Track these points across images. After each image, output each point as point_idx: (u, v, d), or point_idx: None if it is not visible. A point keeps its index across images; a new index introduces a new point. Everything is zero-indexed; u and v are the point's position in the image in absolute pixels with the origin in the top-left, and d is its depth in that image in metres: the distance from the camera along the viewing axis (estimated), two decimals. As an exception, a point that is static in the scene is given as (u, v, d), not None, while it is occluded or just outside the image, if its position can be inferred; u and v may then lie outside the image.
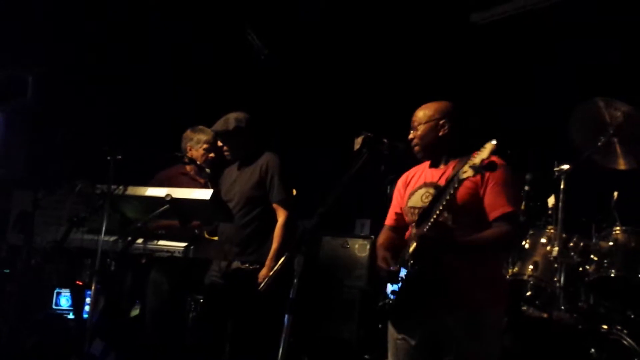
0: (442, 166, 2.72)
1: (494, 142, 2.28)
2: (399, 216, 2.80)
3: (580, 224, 3.31)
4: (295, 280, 2.36)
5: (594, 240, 3.22)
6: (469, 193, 2.54)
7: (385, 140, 2.73)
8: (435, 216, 2.41)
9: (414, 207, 2.68)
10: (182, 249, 3.47)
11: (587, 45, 4.26)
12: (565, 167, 3.19)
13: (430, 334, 2.54)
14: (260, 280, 3.66)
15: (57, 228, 3.65)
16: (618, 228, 3.17)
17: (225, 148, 3.89)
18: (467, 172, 2.31)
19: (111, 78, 4.74)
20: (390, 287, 2.59)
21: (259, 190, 3.77)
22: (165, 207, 3.40)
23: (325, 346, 4.83)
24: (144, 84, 4.97)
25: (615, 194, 3.24)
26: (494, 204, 2.52)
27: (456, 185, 2.37)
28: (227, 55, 5.36)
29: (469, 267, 2.51)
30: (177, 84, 5.18)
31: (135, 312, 4.42)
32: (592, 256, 3.18)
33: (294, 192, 4.44)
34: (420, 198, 2.69)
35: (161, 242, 3.55)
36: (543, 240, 3.33)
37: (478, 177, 2.52)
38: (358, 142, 2.63)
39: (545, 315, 3.21)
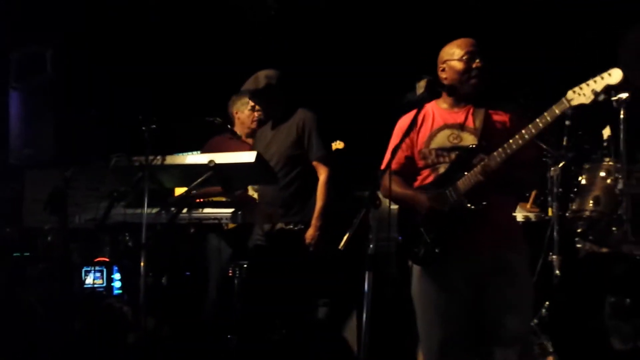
0: (457, 108, 2.67)
1: (619, 72, 2.19)
2: (409, 160, 2.73)
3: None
4: (370, 236, 2.26)
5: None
6: (504, 132, 2.55)
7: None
8: (509, 150, 2.40)
9: (442, 149, 2.63)
10: (230, 215, 3.37)
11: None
12: (624, 95, 3.07)
13: (480, 267, 2.54)
14: (308, 240, 3.59)
15: (97, 205, 3.54)
16: (609, 160, 3.12)
17: (257, 108, 3.79)
18: (579, 97, 2.25)
19: (139, 45, 4.58)
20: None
21: (297, 148, 3.68)
22: (208, 173, 3.28)
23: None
24: (172, 50, 4.80)
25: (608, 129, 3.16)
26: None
27: (557, 114, 2.31)
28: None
29: (511, 205, 2.71)
30: (209, 48, 4.99)
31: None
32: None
33: (342, 144, 4.33)
34: (447, 139, 2.63)
35: (207, 210, 3.46)
36: (602, 173, 3.25)
37: (505, 118, 2.61)
38: (421, 86, 2.52)
39: (605, 250, 3.15)
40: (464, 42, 2.66)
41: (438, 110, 2.72)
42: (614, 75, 2.16)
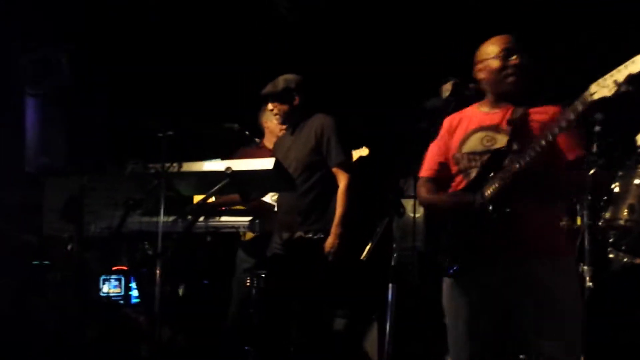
0: (496, 109, 2.52)
1: None
2: (443, 166, 2.59)
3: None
4: (394, 245, 2.15)
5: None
6: (538, 130, 2.35)
7: (471, 85, 2.51)
8: (538, 149, 2.22)
9: (473, 153, 2.48)
10: (248, 223, 3.27)
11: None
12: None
13: (510, 282, 2.37)
14: (327, 249, 3.49)
15: (112, 213, 3.47)
16: None
17: (275, 111, 3.71)
18: (602, 90, 2.06)
19: (153, 48, 4.52)
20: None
21: (316, 154, 3.59)
22: (225, 181, 3.20)
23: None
24: (189, 53, 4.73)
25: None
26: (570, 145, 2.38)
27: (580, 110, 2.13)
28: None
29: (550, 212, 2.43)
30: (225, 51, 4.92)
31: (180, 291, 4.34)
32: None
33: (367, 151, 4.24)
34: (480, 142, 2.48)
35: (224, 218, 3.37)
36: (637, 181, 3.09)
37: (547, 117, 2.39)
38: (447, 88, 2.41)
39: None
40: (500, 39, 2.52)
41: (476, 113, 2.57)
42: (637, 63, 2.00)
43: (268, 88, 3.70)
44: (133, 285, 5.14)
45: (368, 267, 3.97)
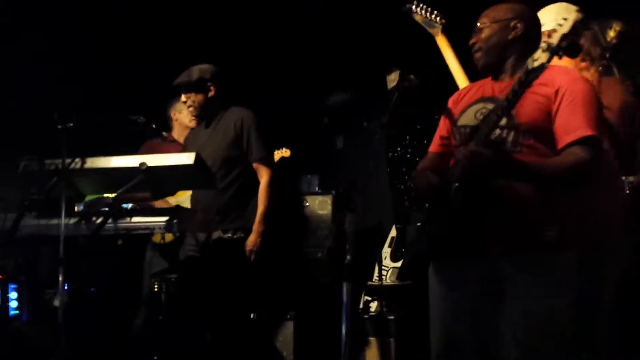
0: (506, 79, 2.25)
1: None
2: (445, 140, 2.37)
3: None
4: (347, 246, 2.03)
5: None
6: (538, 109, 2.09)
7: (411, 77, 2.42)
8: (488, 130, 1.99)
9: (465, 126, 2.24)
10: (164, 224, 3.01)
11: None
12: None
13: (483, 279, 2.11)
14: (249, 247, 3.32)
15: (4, 216, 3.05)
16: None
17: (189, 103, 3.48)
18: (539, 57, 1.92)
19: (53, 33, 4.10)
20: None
21: (235, 149, 3.41)
22: (139, 177, 2.92)
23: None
24: (89, 37, 4.34)
25: None
26: (570, 125, 2.06)
27: (523, 80, 1.88)
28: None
29: (538, 199, 2.06)
30: (133, 36, 4.57)
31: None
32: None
33: (289, 152, 4.11)
34: (474, 115, 2.23)
35: (136, 219, 3.07)
36: None
37: (551, 90, 2.10)
38: (392, 79, 2.31)
39: None
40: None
41: (485, 84, 2.33)
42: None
43: (181, 78, 3.46)
44: (12, 295, 4.68)
45: (283, 264, 3.85)
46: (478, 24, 2.32)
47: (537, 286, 2.06)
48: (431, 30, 3.09)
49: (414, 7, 3.09)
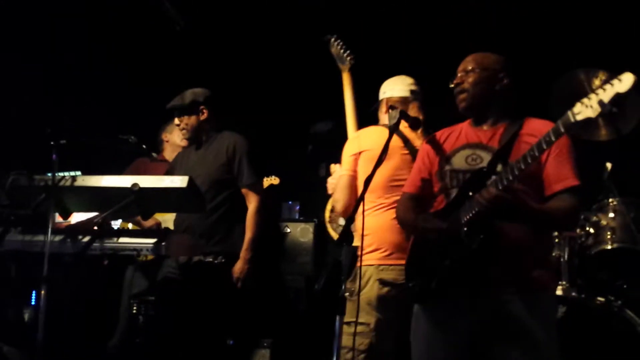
0: (486, 127, 2.37)
1: (631, 77, 1.85)
2: (425, 183, 2.43)
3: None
4: (342, 277, 2.05)
5: (591, 213, 3.20)
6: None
7: (410, 115, 2.49)
8: (511, 175, 2.06)
9: (456, 171, 2.31)
10: (152, 246, 3.00)
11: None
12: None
13: (485, 317, 2.19)
14: (236, 275, 3.31)
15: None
16: (614, 199, 3.17)
17: (182, 126, 3.50)
18: (585, 110, 1.90)
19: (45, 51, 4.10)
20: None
21: (226, 173, 3.41)
22: (129, 198, 2.91)
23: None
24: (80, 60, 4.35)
25: (608, 165, 3.23)
26: (560, 174, 2.21)
27: (561, 131, 1.97)
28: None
29: (531, 240, 2.20)
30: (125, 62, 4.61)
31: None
32: (590, 229, 3.16)
33: (278, 180, 4.12)
34: (464, 160, 2.32)
35: (123, 239, 3.06)
36: (611, 214, 3.17)
37: (538, 139, 2.16)
38: (393, 115, 2.37)
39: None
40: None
41: (466, 129, 2.42)
42: (625, 81, 1.85)
43: (175, 101, 3.49)
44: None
45: (261, 292, 3.83)
46: (468, 67, 2.39)
47: (537, 324, 2.18)
48: (341, 66, 3.33)
49: (332, 39, 3.35)
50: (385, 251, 2.80)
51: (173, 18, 4.89)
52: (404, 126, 2.78)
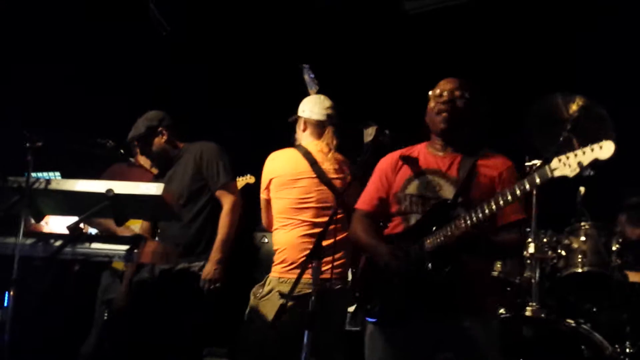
0: (444, 154, 2.47)
1: (611, 145, 1.93)
2: (383, 202, 2.51)
3: (548, 220, 3.30)
4: (311, 293, 2.06)
5: (564, 236, 3.25)
6: (489, 188, 2.36)
7: (387, 132, 2.50)
8: (482, 214, 2.16)
9: (417, 196, 2.41)
10: (125, 253, 2.97)
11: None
12: (538, 162, 3.16)
13: (444, 339, 2.34)
14: (204, 276, 3.27)
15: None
16: (586, 223, 3.22)
17: (146, 155, 3.53)
18: (563, 168, 1.98)
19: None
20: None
21: (198, 181, 3.41)
22: (103, 204, 2.89)
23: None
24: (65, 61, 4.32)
25: (582, 189, 3.27)
26: (515, 207, 2.34)
27: (537, 183, 2.07)
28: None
29: (484, 270, 2.43)
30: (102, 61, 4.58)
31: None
32: (561, 252, 3.20)
33: (253, 179, 4.12)
34: (425, 186, 2.41)
35: (95, 245, 3.02)
36: (582, 238, 3.22)
37: (495, 173, 2.42)
38: (369, 133, 2.39)
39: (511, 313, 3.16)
40: (443, 82, 2.48)
41: (424, 153, 2.51)
42: (605, 149, 1.91)
43: (132, 133, 3.51)
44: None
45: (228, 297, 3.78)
46: (459, 90, 2.44)
47: (491, 346, 2.39)
48: (310, 90, 3.67)
49: (306, 68, 3.73)
50: (287, 265, 3.15)
51: (159, 23, 4.92)
52: (317, 150, 3.22)
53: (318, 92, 3.54)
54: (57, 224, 3.57)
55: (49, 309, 3.70)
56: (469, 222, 2.19)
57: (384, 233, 2.49)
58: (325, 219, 3.05)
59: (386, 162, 2.55)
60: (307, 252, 2.85)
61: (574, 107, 3.36)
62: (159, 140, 3.49)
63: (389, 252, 2.34)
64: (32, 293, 3.33)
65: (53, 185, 2.95)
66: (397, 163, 2.53)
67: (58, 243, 2.96)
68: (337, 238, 2.95)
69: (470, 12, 4.56)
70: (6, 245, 3.01)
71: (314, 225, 3.16)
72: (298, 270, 2.85)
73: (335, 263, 3.00)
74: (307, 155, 3.21)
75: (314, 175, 3.17)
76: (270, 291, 3.16)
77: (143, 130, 3.46)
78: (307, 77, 3.69)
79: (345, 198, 2.83)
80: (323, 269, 2.55)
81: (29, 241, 2.99)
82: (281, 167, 3.23)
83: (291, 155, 3.25)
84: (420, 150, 2.52)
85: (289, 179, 3.18)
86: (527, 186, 2.10)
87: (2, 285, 3.87)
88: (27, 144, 2.96)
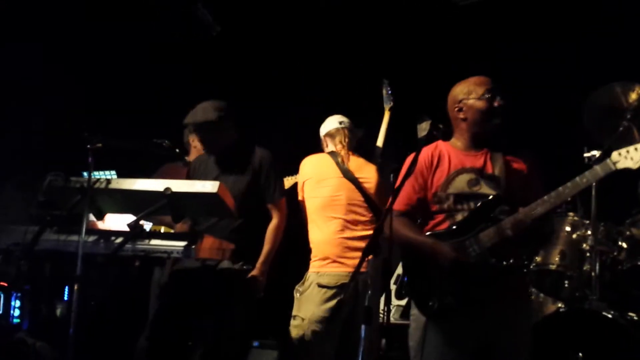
0: (473, 151, 2.54)
1: None
2: (421, 202, 2.53)
3: (608, 211, 3.23)
4: (369, 291, 2.07)
5: (625, 228, 3.17)
6: (522, 181, 2.46)
7: (441, 126, 2.49)
8: (545, 208, 2.25)
9: (460, 195, 2.46)
10: (182, 248, 3.05)
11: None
12: (597, 153, 3.09)
13: (495, 325, 2.39)
14: (253, 285, 3.32)
15: (26, 229, 3.10)
16: None
17: (205, 142, 3.48)
18: (625, 161, 2.09)
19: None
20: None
21: (253, 186, 3.40)
22: (162, 202, 2.97)
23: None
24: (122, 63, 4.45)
25: (643, 179, 3.19)
26: (539, 190, 2.41)
27: (601, 176, 2.16)
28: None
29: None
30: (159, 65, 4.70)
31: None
32: (623, 244, 3.12)
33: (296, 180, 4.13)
34: (467, 185, 2.47)
35: (154, 242, 3.11)
36: (567, 228, 3.24)
37: (523, 166, 2.52)
38: (424, 128, 2.38)
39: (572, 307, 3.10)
40: (481, 80, 2.52)
41: (454, 152, 2.55)
42: None
43: (199, 117, 3.41)
44: (15, 303, 4.68)
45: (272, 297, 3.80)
46: (499, 89, 2.51)
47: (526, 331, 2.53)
48: (385, 105, 3.96)
49: (386, 83, 4.00)
50: (323, 260, 3.42)
51: (208, 23, 4.99)
52: (338, 150, 3.56)
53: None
54: (113, 221, 3.67)
55: (111, 304, 3.81)
56: (534, 216, 2.27)
57: (425, 230, 2.52)
58: (355, 216, 3.46)
59: (420, 162, 2.54)
60: (341, 247, 3.37)
61: (633, 96, 3.28)
62: (221, 133, 3.43)
63: (451, 249, 2.36)
64: (96, 288, 3.44)
65: (113, 185, 3.05)
66: (431, 162, 2.56)
67: (119, 240, 3.09)
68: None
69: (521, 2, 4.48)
70: (70, 243, 3.15)
71: (345, 221, 3.46)
72: (335, 264, 3.36)
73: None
74: (333, 155, 3.58)
75: (341, 175, 3.51)
76: (309, 285, 3.43)
77: (214, 119, 3.36)
78: (385, 92, 3.97)
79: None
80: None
81: (91, 238, 3.13)
82: (311, 169, 3.61)
83: (320, 158, 3.63)
84: (448, 149, 2.57)
85: (319, 178, 3.53)
86: (590, 178, 2.17)
87: (65, 281, 4.04)
88: (88, 146, 3.07)
